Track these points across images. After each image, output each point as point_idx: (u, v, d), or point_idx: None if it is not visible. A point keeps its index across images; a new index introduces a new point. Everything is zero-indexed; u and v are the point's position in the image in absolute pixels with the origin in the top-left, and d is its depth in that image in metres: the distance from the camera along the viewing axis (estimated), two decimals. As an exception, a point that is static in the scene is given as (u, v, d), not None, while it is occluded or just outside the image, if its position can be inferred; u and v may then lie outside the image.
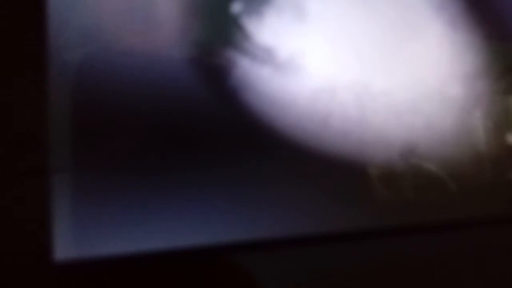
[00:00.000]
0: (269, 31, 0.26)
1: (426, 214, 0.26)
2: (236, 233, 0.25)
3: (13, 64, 0.24)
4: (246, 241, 0.25)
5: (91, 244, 0.24)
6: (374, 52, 0.27)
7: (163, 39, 0.25)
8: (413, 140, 0.27)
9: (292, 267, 0.25)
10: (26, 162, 0.24)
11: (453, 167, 0.27)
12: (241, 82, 0.26)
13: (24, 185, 0.23)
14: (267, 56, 0.26)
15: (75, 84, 0.24)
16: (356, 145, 0.26)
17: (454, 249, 0.26)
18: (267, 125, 0.25)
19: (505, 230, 0.27)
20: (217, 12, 0.26)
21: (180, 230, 0.24)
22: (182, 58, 0.25)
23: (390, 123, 0.26)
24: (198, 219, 0.25)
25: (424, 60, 0.27)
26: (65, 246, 0.23)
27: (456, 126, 0.27)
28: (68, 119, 0.24)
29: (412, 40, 0.27)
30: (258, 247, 0.25)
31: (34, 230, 0.23)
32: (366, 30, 0.27)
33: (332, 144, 0.26)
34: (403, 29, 0.27)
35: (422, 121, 0.27)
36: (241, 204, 0.25)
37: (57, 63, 0.24)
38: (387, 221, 0.26)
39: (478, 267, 0.27)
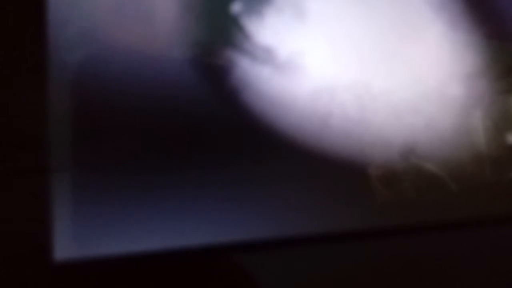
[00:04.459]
0: (269, 31, 0.26)
1: (426, 214, 0.26)
2: (236, 233, 0.25)
3: (13, 64, 0.24)
4: (246, 241, 0.25)
5: (91, 244, 0.24)
6: (374, 52, 0.27)
7: (163, 39, 0.25)
8: (413, 140, 0.27)
9: (292, 267, 0.25)
10: (26, 162, 0.24)
11: (453, 167, 0.27)
12: (241, 82, 0.26)
13: (24, 185, 0.23)
14: (267, 56, 0.26)
15: (75, 84, 0.24)
16: (356, 145, 0.26)
17: (454, 249, 0.26)
18: (267, 125, 0.25)
19: (505, 230, 0.27)
20: (217, 12, 0.26)
21: (180, 230, 0.24)
22: (182, 58, 0.25)
23: (390, 123, 0.26)
24: (198, 219, 0.25)
25: (424, 60, 0.27)
26: (65, 246, 0.23)
27: (456, 126, 0.27)
28: (68, 119, 0.24)
29: (412, 40, 0.27)
30: (258, 247, 0.25)
31: (34, 230, 0.23)
32: (366, 30, 0.27)
33: (332, 144, 0.26)
34: (403, 29, 0.27)
35: (422, 121, 0.27)
36: (241, 204, 0.25)
37: (57, 63, 0.24)
38: (387, 221, 0.26)
39: (478, 267, 0.27)
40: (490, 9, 0.28)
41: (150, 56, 0.25)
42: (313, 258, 0.25)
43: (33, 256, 0.23)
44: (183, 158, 0.25)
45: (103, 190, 0.24)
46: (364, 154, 0.26)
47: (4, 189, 0.23)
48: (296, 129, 0.26)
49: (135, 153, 0.24)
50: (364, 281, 0.26)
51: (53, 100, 0.24)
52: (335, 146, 0.26)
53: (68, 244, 0.24)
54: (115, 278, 0.24)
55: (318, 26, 0.26)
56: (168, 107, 0.25)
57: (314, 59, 0.26)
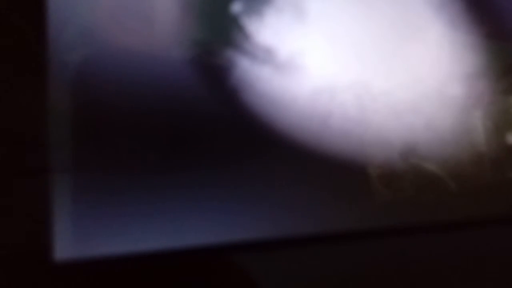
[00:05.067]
0: (269, 31, 0.26)
1: (426, 214, 0.26)
2: (236, 233, 0.25)
3: (13, 64, 0.24)
4: (246, 241, 0.25)
5: (91, 244, 0.24)
6: (374, 52, 0.27)
7: (163, 40, 0.25)
8: (413, 140, 0.27)
9: (292, 267, 0.25)
10: (26, 162, 0.24)
11: (453, 167, 0.27)
12: (241, 82, 0.26)
13: (24, 185, 0.23)
14: (267, 56, 0.26)
15: (75, 84, 0.24)
16: (356, 145, 0.26)
17: (454, 249, 0.26)
18: (267, 125, 0.25)
19: (505, 230, 0.27)
20: (217, 12, 0.26)
21: (180, 230, 0.24)
22: (182, 58, 0.25)
23: (390, 123, 0.26)
24: (198, 219, 0.25)
25: (424, 60, 0.27)
26: (65, 246, 0.23)
27: (456, 126, 0.27)
28: (68, 119, 0.24)
29: (412, 40, 0.27)
30: (258, 247, 0.25)
31: (34, 230, 0.23)
32: (366, 30, 0.27)
33: (332, 144, 0.26)
34: (403, 29, 0.27)
35: (422, 121, 0.27)
36: (241, 204, 0.25)
37: (57, 64, 0.24)
38: (387, 221, 0.26)
39: (478, 267, 0.27)
40: (490, 9, 0.28)
41: (150, 56, 0.25)
42: (313, 258, 0.25)
43: (33, 256, 0.23)
44: (183, 158, 0.25)
45: (103, 190, 0.24)
46: (364, 154, 0.26)
47: (5, 189, 0.23)
48: (296, 129, 0.26)
49: (135, 153, 0.24)
50: (364, 281, 0.26)
51: (53, 100, 0.24)
52: (335, 146, 0.26)
53: (68, 244, 0.24)
54: (115, 278, 0.24)
55: (318, 26, 0.26)
56: (168, 107, 0.25)
57: (314, 59, 0.26)
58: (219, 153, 0.25)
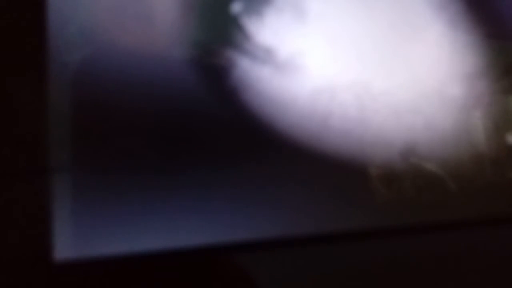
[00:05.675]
0: (269, 31, 0.26)
1: (426, 214, 0.26)
2: (236, 233, 0.25)
3: (13, 65, 0.24)
4: (246, 241, 0.25)
5: (91, 244, 0.24)
6: (374, 52, 0.27)
7: (163, 40, 0.25)
8: (413, 140, 0.27)
9: (292, 267, 0.25)
10: (26, 162, 0.24)
11: (453, 167, 0.27)
12: (241, 82, 0.26)
13: (24, 185, 0.23)
14: (267, 56, 0.26)
15: (75, 84, 0.24)
16: (356, 145, 0.26)
17: (454, 249, 0.26)
18: (267, 125, 0.25)
19: (505, 230, 0.27)
20: (217, 12, 0.26)
21: (180, 230, 0.24)
22: (182, 58, 0.25)
23: (390, 123, 0.26)
24: (198, 219, 0.25)
25: (424, 60, 0.27)
26: (65, 246, 0.23)
27: (456, 126, 0.27)
28: (68, 119, 0.24)
29: (412, 40, 0.27)
30: (258, 247, 0.25)
31: (34, 230, 0.23)
32: (366, 30, 0.27)
33: (332, 144, 0.26)
34: (403, 29, 0.27)
35: (422, 121, 0.27)
36: (241, 204, 0.25)
37: (57, 64, 0.24)
38: (387, 221, 0.26)
39: (478, 267, 0.27)
40: (490, 9, 0.28)
41: (150, 56, 0.25)
42: (313, 258, 0.25)
43: (33, 256, 0.23)
44: (183, 158, 0.25)
45: (103, 190, 0.24)
46: (364, 154, 0.26)
47: (4, 189, 0.23)
48: (296, 129, 0.26)
49: (135, 153, 0.24)
50: (363, 281, 0.26)
51: (53, 100, 0.24)
52: (335, 146, 0.26)
53: (68, 244, 0.24)
54: (115, 278, 0.24)
55: (318, 26, 0.26)
56: (168, 107, 0.25)
57: (314, 59, 0.26)
58: (219, 153, 0.25)
